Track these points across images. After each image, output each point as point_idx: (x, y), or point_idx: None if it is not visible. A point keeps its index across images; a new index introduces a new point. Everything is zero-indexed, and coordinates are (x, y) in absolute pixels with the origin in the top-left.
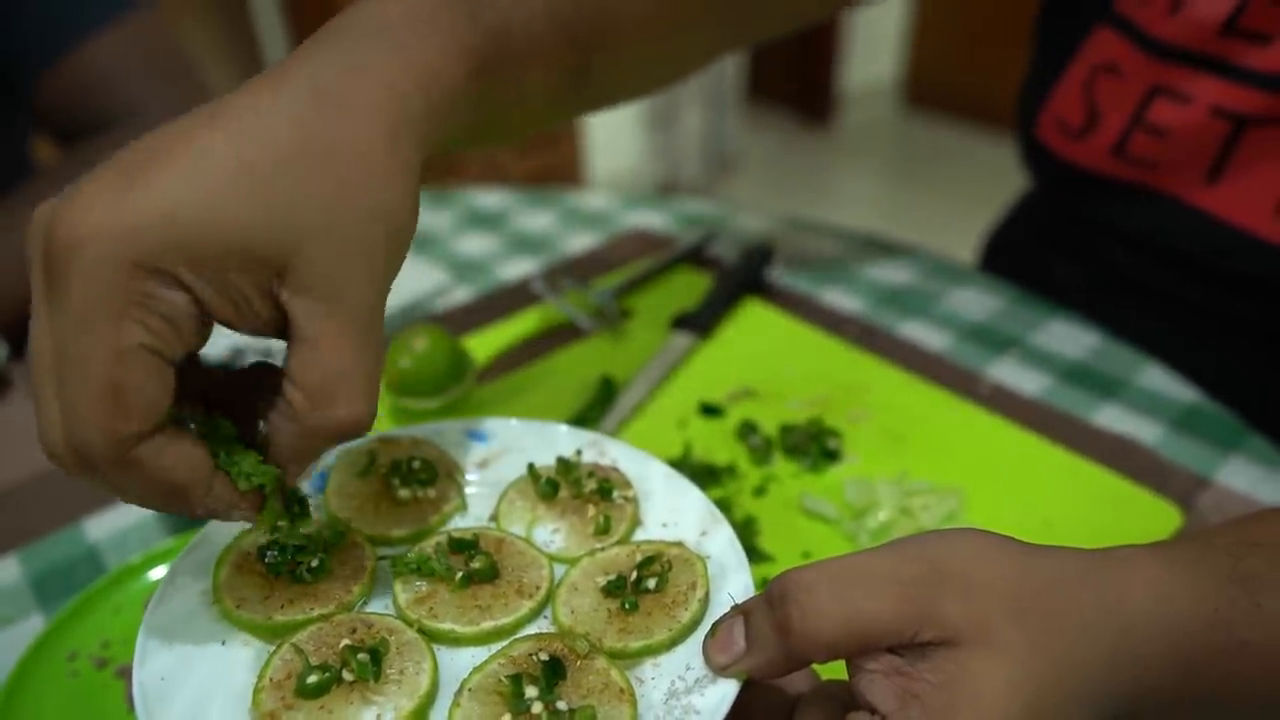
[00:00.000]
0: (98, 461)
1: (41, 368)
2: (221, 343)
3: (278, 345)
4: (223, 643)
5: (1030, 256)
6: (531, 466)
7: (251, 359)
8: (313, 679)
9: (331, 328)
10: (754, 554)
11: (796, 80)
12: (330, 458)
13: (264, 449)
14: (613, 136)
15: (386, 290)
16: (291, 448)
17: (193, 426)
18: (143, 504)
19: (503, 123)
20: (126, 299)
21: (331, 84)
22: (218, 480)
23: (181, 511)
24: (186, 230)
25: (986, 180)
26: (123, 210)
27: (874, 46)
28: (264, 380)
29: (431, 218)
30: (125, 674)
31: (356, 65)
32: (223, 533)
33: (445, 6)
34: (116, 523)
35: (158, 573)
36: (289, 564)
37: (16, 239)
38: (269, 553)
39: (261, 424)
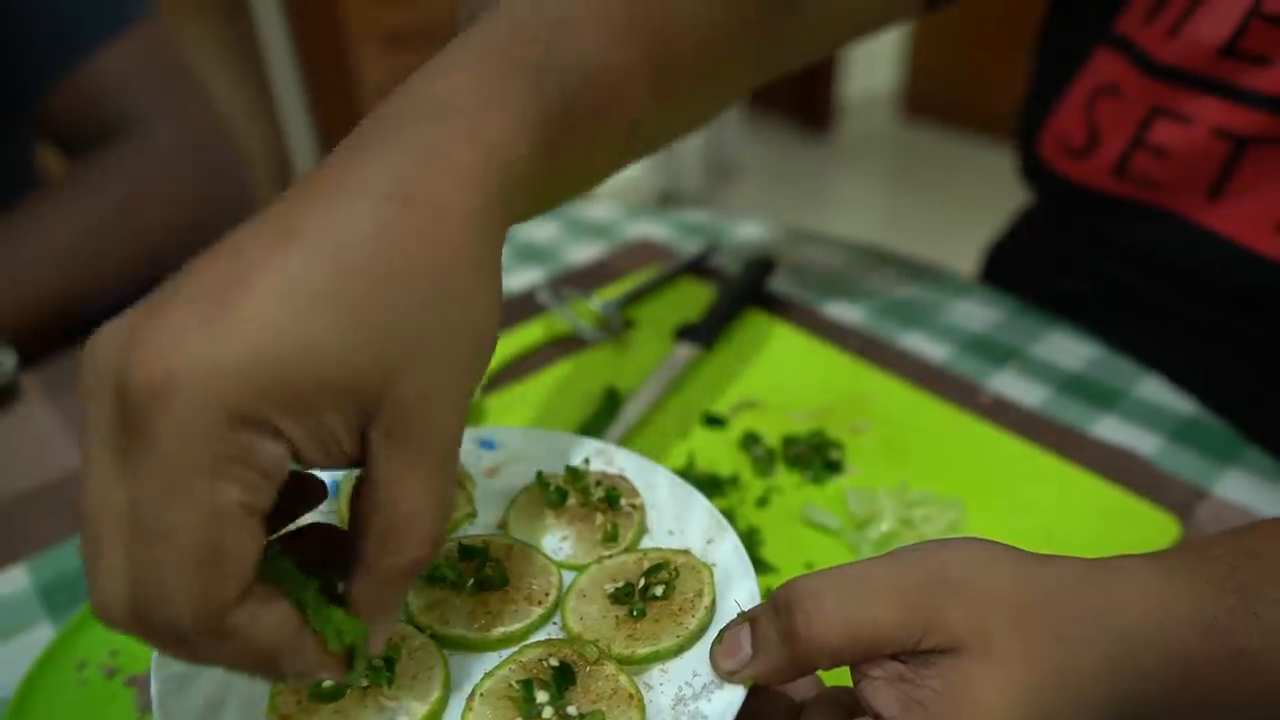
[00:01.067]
0: (187, 633)
1: (103, 523)
2: None
3: None
4: None
5: (1031, 269)
6: (540, 474)
7: None
8: (327, 683)
9: (411, 467)
10: (757, 564)
11: (796, 90)
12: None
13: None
14: None
15: (467, 415)
16: (371, 601)
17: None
18: (227, 668)
19: (566, 188)
20: (225, 454)
21: (413, 183)
22: (307, 641)
23: (266, 677)
24: (286, 371)
25: (986, 189)
26: (214, 349)
27: (873, 56)
28: (328, 532)
29: None
30: (134, 683)
31: (433, 159)
32: None
33: (508, 78)
34: None
35: None
36: None
37: (22, 250)
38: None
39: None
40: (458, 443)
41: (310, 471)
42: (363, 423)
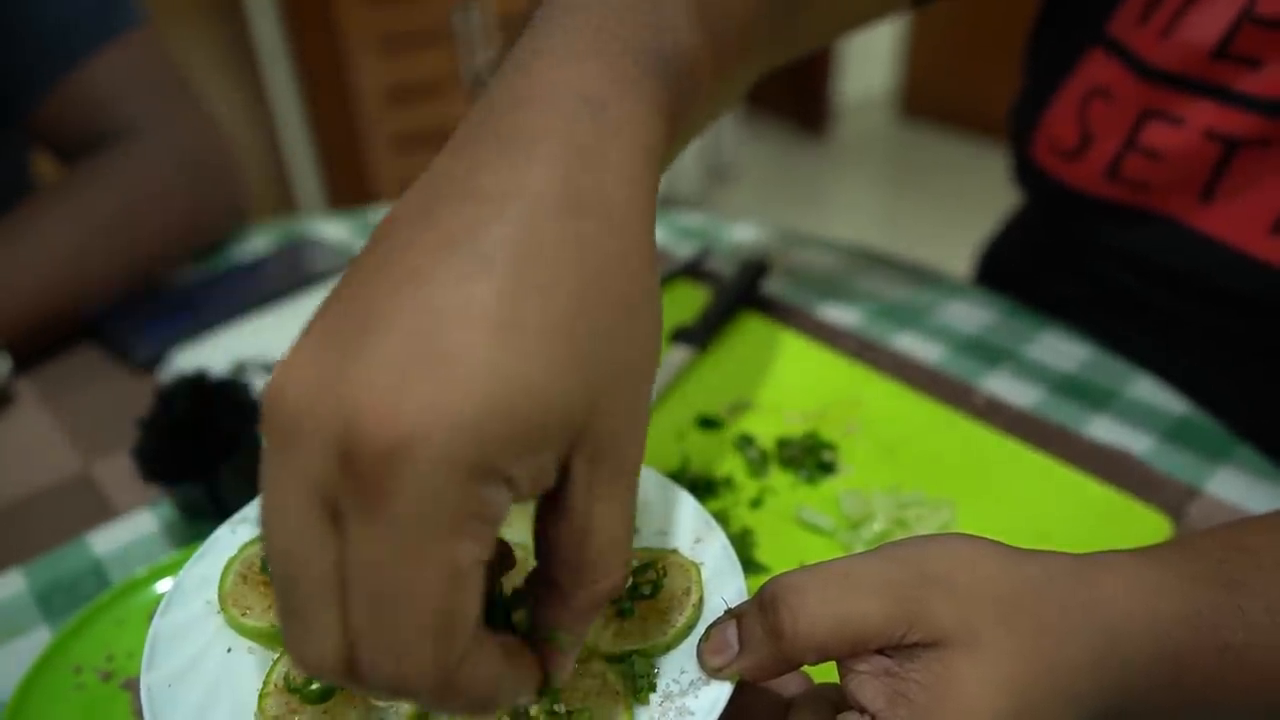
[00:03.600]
0: (419, 692)
1: (312, 582)
2: (220, 357)
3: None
4: (228, 650)
5: (1025, 270)
6: None
7: (257, 374)
8: (317, 684)
9: (611, 494)
10: (750, 565)
11: (792, 91)
12: None
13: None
14: None
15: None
16: (568, 629)
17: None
18: (447, 714)
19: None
20: (465, 512)
21: (581, 188)
22: (517, 670)
23: (480, 715)
24: (517, 418)
25: (982, 190)
26: (448, 400)
27: (869, 57)
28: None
29: None
30: (130, 686)
31: (593, 160)
32: (227, 544)
33: (639, 65)
34: (121, 537)
35: (162, 586)
36: None
37: (16, 256)
38: None
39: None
40: (639, 468)
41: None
42: (566, 453)
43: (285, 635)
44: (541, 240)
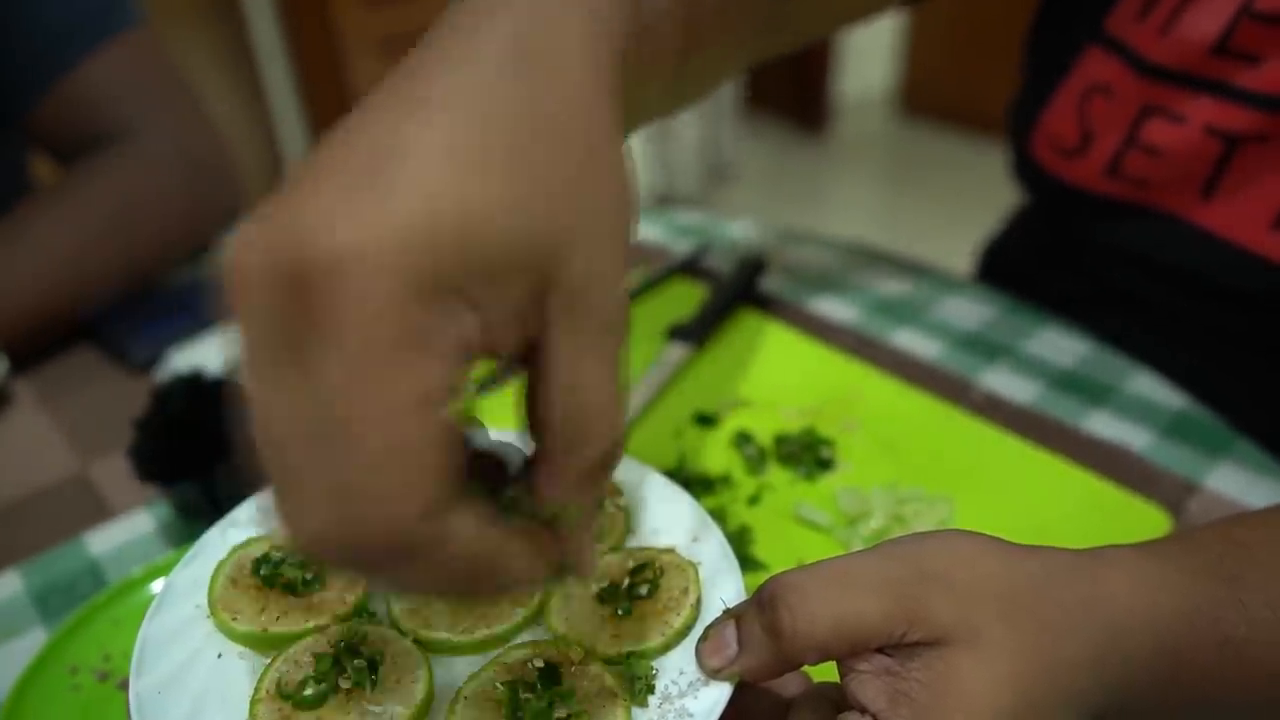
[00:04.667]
0: (401, 547)
1: (286, 440)
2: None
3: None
4: (219, 655)
5: (1026, 268)
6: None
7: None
8: (310, 690)
9: (589, 350)
10: (748, 562)
11: (791, 90)
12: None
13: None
14: None
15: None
16: (568, 505)
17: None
18: (442, 588)
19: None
20: (419, 329)
21: (534, 46)
22: (522, 543)
23: (479, 590)
24: (468, 233)
25: (981, 188)
26: (389, 216)
27: (868, 56)
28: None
29: None
30: (127, 686)
31: (548, 24)
32: (217, 547)
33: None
34: (117, 537)
35: (158, 586)
36: (283, 577)
37: (13, 257)
38: (264, 566)
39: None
40: (626, 333)
41: (496, 449)
42: (539, 300)
43: (276, 509)
44: (496, 90)
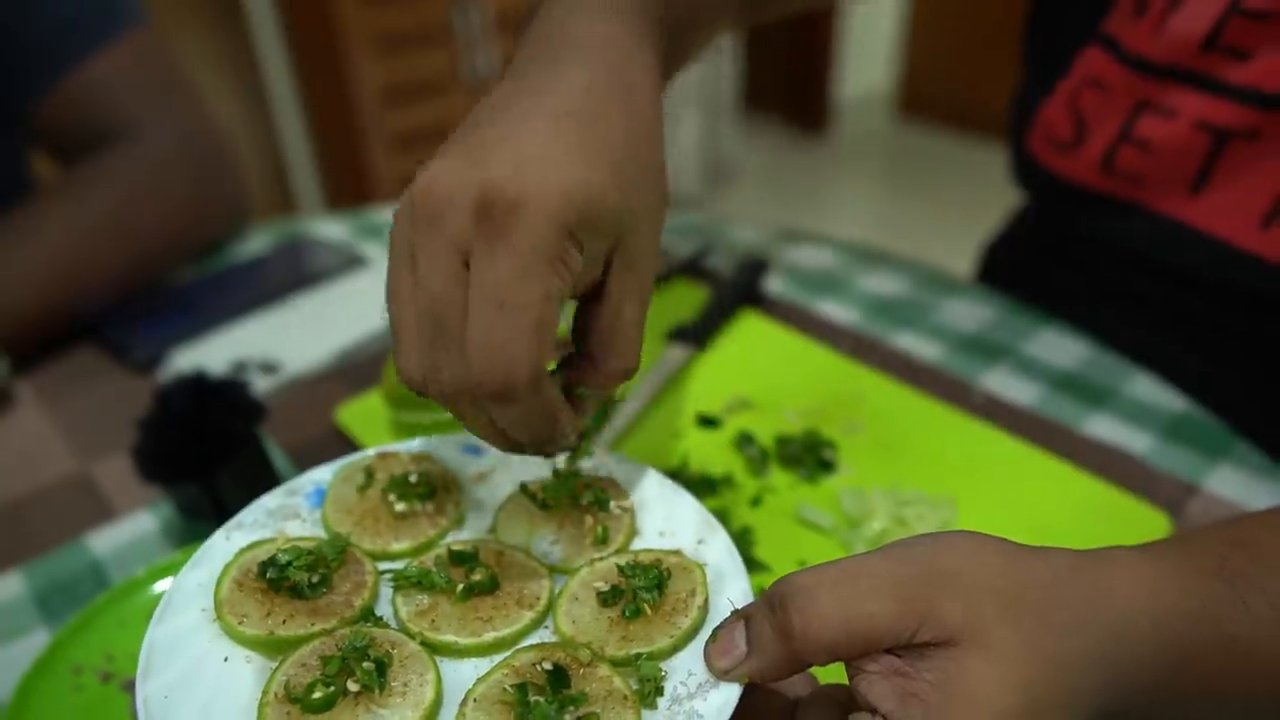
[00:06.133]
0: (519, 390)
1: (445, 308)
2: (219, 357)
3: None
4: (225, 659)
5: (1028, 268)
6: (524, 485)
7: (255, 373)
8: (318, 693)
9: (633, 292)
10: (751, 564)
11: (791, 91)
12: (328, 474)
13: None
14: None
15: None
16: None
17: None
18: (519, 431)
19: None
20: (559, 254)
21: (619, 78)
22: (570, 408)
23: (545, 436)
24: (594, 204)
25: (981, 188)
26: (557, 181)
27: (867, 56)
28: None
29: None
30: (130, 687)
31: (617, 69)
32: (223, 550)
33: (654, 26)
34: (119, 537)
35: (161, 586)
36: (289, 580)
37: (15, 255)
38: (270, 569)
39: None
40: (653, 288)
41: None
42: (609, 256)
43: (429, 371)
44: (604, 100)
